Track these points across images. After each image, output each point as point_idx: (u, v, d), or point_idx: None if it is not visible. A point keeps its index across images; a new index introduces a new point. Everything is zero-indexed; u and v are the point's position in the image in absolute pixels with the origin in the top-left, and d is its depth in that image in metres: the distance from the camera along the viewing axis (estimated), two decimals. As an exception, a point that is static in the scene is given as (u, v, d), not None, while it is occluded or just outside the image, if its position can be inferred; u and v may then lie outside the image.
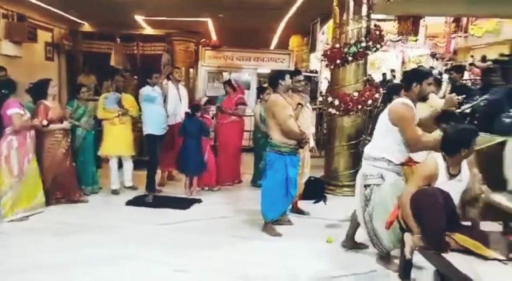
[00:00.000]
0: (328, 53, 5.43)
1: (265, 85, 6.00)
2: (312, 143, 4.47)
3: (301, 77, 4.37)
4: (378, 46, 5.44)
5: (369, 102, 5.29)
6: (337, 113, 5.32)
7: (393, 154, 2.96)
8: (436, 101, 3.49)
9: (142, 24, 9.85)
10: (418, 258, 2.68)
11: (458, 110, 4.03)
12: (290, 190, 3.74)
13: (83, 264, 3.17)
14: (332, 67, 5.47)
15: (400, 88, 3.57)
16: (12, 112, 4.07)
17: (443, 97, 4.24)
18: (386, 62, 13.53)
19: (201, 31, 9.93)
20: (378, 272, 3.13)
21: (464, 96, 4.47)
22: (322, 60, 5.98)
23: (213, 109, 6.04)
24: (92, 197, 4.94)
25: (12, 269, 3.05)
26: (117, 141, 5.14)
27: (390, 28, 9.77)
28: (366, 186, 3.07)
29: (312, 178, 4.86)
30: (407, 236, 2.61)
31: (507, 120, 3.69)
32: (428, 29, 11.00)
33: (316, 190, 4.91)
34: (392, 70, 12.75)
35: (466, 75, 8.27)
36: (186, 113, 5.23)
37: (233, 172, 5.72)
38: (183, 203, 4.78)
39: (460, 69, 6.22)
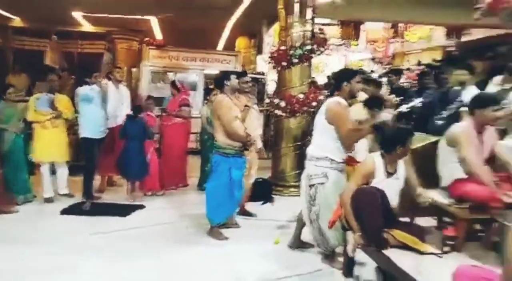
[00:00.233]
0: (275, 55, 5.49)
1: (212, 86, 5.93)
2: (259, 144, 4.46)
3: (247, 79, 4.37)
4: (322, 49, 5.59)
5: (314, 104, 5.40)
6: (284, 114, 5.39)
7: (334, 152, 3.05)
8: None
9: (81, 21, 9.30)
10: (361, 255, 2.75)
11: (397, 111, 4.28)
12: (235, 192, 3.68)
13: (17, 280, 2.89)
14: (278, 69, 5.54)
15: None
16: None
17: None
18: (329, 66, 13.97)
19: (144, 30, 9.60)
20: (323, 271, 3.17)
21: (402, 97, 4.72)
22: (269, 62, 6.02)
23: (157, 110, 5.83)
24: (25, 207, 4.56)
25: None
26: (49, 146, 4.77)
27: (333, 32, 10.11)
28: (311, 186, 3.12)
29: (260, 180, 4.86)
30: (349, 234, 2.68)
31: (439, 122, 3.93)
32: (368, 35, 11.56)
33: (263, 192, 4.93)
34: (336, 73, 13.17)
35: (403, 78, 8.76)
36: (128, 115, 4.99)
37: (179, 176, 5.55)
38: (124, 210, 4.54)
39: (397, 72, 6.58)
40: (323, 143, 3.07)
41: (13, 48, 9.41)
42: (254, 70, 9.74)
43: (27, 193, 4.73)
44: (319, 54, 5.67)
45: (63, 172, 5.00)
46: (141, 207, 4.72)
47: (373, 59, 13.27)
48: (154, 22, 9.07)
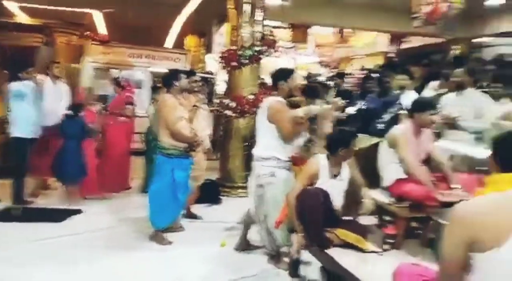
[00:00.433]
0: (225, 55, 5.44)
1: (160, 84, 5.72)
2: (208, 145, 4.38)
3: (197, 78, 4.29)
4: (272, 50, 5.63)
5: (264, 104, 5.41)
6: (234, 115, 5.35)
7: (280, 151, 3.05)
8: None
9: (15, 11, 8.59)
10: (307, 255, 2.77)
11: (345, 113, 4.42)
12: (178, 195, 3.55)
13: None
14: (228, 69, 5.49)
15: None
16: None
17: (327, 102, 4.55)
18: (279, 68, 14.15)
19: (86, 23, 9.06)
20: (269, 272, 3.14)
21: (348, 100, 4.87)
22: (219, 62, 5.96)
23: (99, 107, 5.51)
24: None
25: None
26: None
27: (284, 35, 10.26)
28: (259, 185, 3.10)
29: (207, 181, 4.76)
30: (294, 235, 2.69)
31: (380, 126, 4.11)
32: (316, 39, 11.89)
33: (210, 193, 4.83)
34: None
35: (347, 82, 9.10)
36: (66, 114, 4.66)
37: (121, 178, 5.27)
38: (60, 215, 4.22)
39: (343, 76, 6.81)
40: (268, 143, 3.08)
41: None
42: (203, 70, 9.61)
43: None
44: (267, 56, 5.70)
45: (-12, 174, 4.57)
46: (79, 212, 4.41)
47: (320, 62, 13.66)
48: (97, 16, 8.61)
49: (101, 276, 3.01)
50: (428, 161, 3.16)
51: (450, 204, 2.67)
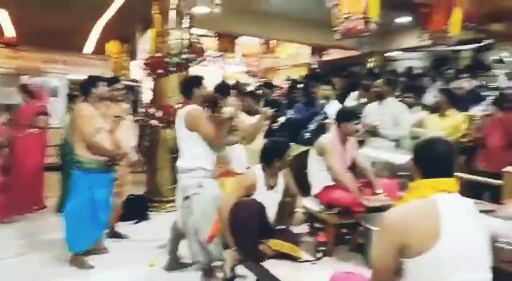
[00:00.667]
0: (150, 62, 5.21)
1: (77, 92, 5.27)
2: (134, 157, 4.10)
3: (120, 86, 4.00)
4: (200, 59, 5.52)
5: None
6: (160, 125, 5.12)
7: (205, 160, 2.94)
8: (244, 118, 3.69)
9: None
10: (243, 269, 2.69)
11: (275, 123, 4.48)
12: (99, 213, 3.25)
13: None
14: (154, 77, 5.27)
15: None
16: None
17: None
18: (206, 77, 14.06)
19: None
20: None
21: (276, 109, 4.95)
22: (144, 69, 5.70)
23: (5, 118, 4.90)
24: None
25: None
26: None
27: (210, 44, 10.21)
28: (186, 197, 2.96)
29: (133, 196, 4.47)
30: (227, 253, 2.59)
31: (307, 135, 4.25)
32: (243, 49, 12.05)
33: (137, 209, 4.55)
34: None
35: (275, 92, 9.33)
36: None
37: (34, 197, 4.71)
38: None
39: (271, 86, 6.94)
40: (193, 153, 2.95)
41: None
42: (127, 77, 9.16)
43: None
44: (196, 64, 5.59)
45: None
46: (-20, 239, 3.85)
47: (248, 72, 13.87)
48: (3, 16, 7.75)
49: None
50: (354, 168, 3.30)
51: (375, 209, 2.82)
